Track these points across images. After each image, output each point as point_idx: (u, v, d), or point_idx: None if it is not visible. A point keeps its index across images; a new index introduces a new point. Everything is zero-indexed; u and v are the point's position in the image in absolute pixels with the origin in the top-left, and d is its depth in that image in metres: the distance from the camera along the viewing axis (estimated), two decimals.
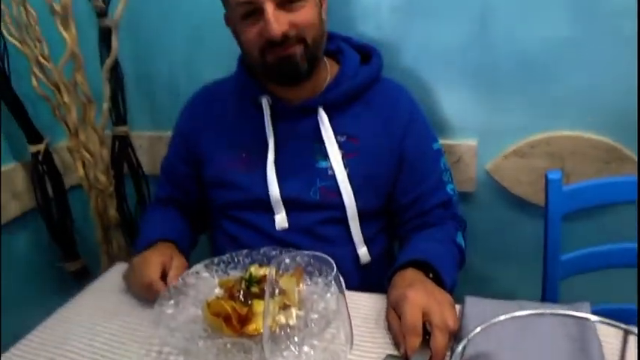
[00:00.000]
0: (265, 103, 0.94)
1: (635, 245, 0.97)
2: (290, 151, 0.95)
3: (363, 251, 0.96)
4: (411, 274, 0.79)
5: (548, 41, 1.10)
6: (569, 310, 0.57)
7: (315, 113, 0.93)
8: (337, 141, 0.93)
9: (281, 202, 0.94)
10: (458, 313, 0.75)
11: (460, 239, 0.96)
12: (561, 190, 0.96)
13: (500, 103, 1.19)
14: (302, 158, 0.95)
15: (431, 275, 0.80)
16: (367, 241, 0.96)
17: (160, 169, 1.11)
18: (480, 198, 1.29)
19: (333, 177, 0.93)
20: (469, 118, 1.22)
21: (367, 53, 1.00)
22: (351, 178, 0.93)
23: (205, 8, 1.27)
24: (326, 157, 0.93)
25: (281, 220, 0.94)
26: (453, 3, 1.13)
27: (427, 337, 0.68)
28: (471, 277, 1.37)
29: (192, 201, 1.07)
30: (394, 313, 0.73)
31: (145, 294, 0.81)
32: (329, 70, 0.98)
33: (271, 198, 0.94)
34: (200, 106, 1.05)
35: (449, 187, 0.99)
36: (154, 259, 0.84)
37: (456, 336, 0.69)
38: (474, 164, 1.24)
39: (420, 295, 0.71)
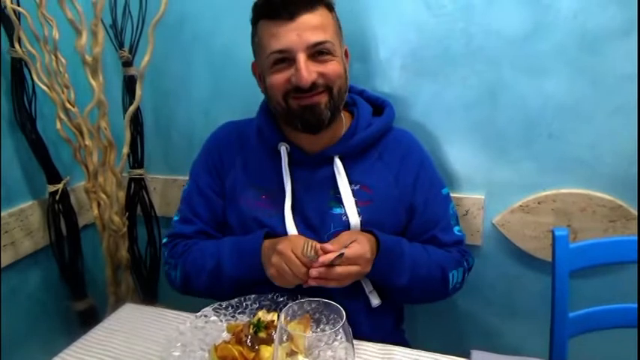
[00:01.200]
0: (284, 150, 0.99)
1: None
2: (306, 197, 0.98)
3: (373, 295, 0.97)
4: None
5: (553, 100, 1.14)
6: None
7: (332, 162, 0.98)
8: (351, 189, 0.97)
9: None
10: None
11: (455, 272, 1.01)
12: (568, 247, 0.97)
13: (508, 158, 1.21)
14: (318, 204, 0.98)
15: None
16: (374, 283, 0.98)
17: (184, 203, 1.09)
18: (486, 251, 1.29)
19: (347, 223, 0.96)
20: (477, 172, 1.25)
21: (380, 106, 1.07)
22: (363, 225, 0.96)
23: (225, 61, 1.34)
24: (340, 203, 0.97)
25: None
26: (460, 62, 1.17)
27: None
28: (477, 330, 1.36)
29: (219, 234, 1.07)
30: None
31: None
32: (344, 122, 1.03)
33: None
34: (226, 141, 1.08)
35: (456, 229, 1.06)
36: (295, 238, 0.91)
37: None
38: (481, 217, 1.26)
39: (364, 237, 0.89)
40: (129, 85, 1.34)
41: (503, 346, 1.34)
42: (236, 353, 0.69)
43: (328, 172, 0.98)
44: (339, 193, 0.97)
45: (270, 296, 0.87)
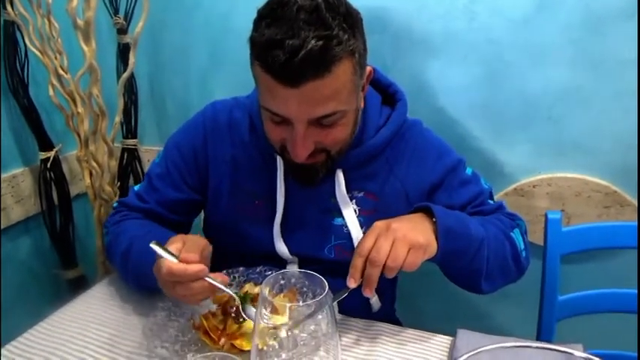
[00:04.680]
0: (279, 160, 0.86)
1: (635, 292, 0.96)
2: (305, 207, 0.88)
3: (374, 300, 0.91)
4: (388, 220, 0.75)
5: (554, 83, 1.12)
6: (561, 349, 0.56)
7: (333, 171, 0.86)
8: (354, 196, 0.88)
9: (292, 256, 0.89)
10: (449, 344, 0.75)
11: (517, 236, 0.88)
12: (561, 230, 0.97)
13: (505, 140, 1.20)
14: (317, 214, 0.88)
15: (435, 219, 0.75)
16: (378, 289, 0.93)
17: (147, 181, 0.95)
18: None
19: (349, 235, 0.87)
20: (473, 154, 1.23)
21: (390, 94, 0.92)
22: None
23: (223, 30, 1.31)
24: (342, 214, 0.87)
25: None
26: (461, 44, 1.15)
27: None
28: (466, 312, 1.36)
29: (176, 223, 0.94)
30: None
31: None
32: None
33: (280, 254, 0.89)
34: (214, 128, 0.91)
35: (490, 200, 0.94)
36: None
37: None
38: None
39: (381, 223, 0.72)
40: (124, 53, 1.32)
41: (493, 328, 1.34)
42: (206, 325, 0.69)
43: (329, 181, 0.86)
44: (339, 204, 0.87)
45: (258, 269, 0.87)
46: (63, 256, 1.41)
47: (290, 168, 0.83)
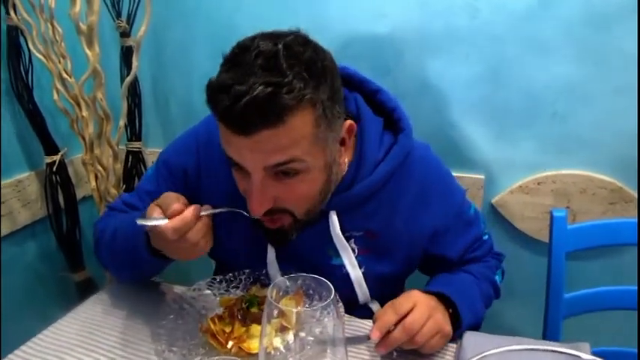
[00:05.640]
0: None
1: None
2: (299, 249, 0.83)
3: (376, 308, 0.91)
4: (431, 298, 0.76)
5: (557, 80, 1.12)
6: (567, 348, 0.56)
7: (326, 213, 0.80)
8: (352, 236, 0.82)
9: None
10: (456, 346, 0.75)
11: (498, 277, 0.93)
12: (566, 228, 0.97)
13: (509, 138, 1.20)
14: (314, 255, 0.83)
15: (451, 310, 0.77)
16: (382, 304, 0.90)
17: (136, 192, 0.93)
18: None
19: (348, 275, 0.83)
20: (477, 152, 1.23)
21: (395, 121, 0.83)
22: (366, 276, 0.84)
23: (226, 31, 1.31)
24: (339, 253, 0.83)
25: None
26: (463, 38, 1.15)
27: None
28: None
29: None
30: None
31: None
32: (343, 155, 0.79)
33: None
34: (207, 147, 0.86)
35: (485, 237, 0.94)
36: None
37: None
38: (480, 197, 1.25)
39: (424, 299, 0.72)
40: (127, 55, 1.32)
41: (500, 326, 1.34)
42: (214, 329, 0.70)
43: (324, 223, 0.81)
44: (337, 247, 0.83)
45: (264, 271, 0.87)
46: (70, 258, 1.41)
47: (262, 230, 0.78)
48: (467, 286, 0.84)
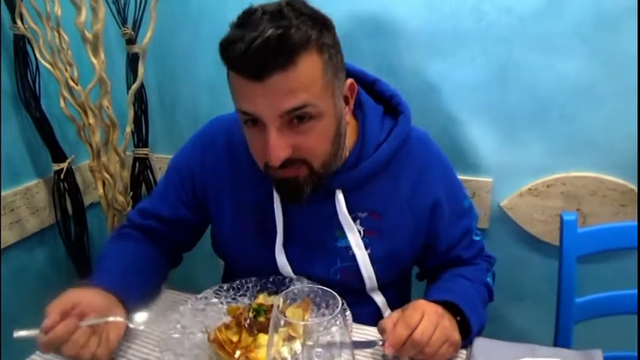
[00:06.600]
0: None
1: None
2: (306, 230, 0.86)
3: (387, 314, 0.92)
4: (438, 306, 0.76)
5: (566, 81, 1.11)
6: (580, 358, 0.55)
7: (333, 192, 0.83)
8: (357, 217, 0.85)
9: (296, 276, 0.88)
10: (466, 352, 0.74)
11: (490, 279, 0.93)
12: (576, 231, 0.95)
13: (517, 140, 1.19)
14: (320, 237, 0.86)
15: (458, 318, 0.77)
16: (388, 300, 0.93)
17: (150, 198, 0.97)
18: (493, 234, 1.28)
19: (354, 257, 0.85)
20: (485, 155, 1.22)
21: (393, 105, 0.88)
22: (372, 258, 0.86)
23: None
24: (345, 234, 0.85)
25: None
26: (470, 40, 1.14)
27: None
28: None
29: (176, 239, 0.96)
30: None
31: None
32: (346, 136, 0.83)
33: (285, 274, 0.88)
34: (213, 146, 0.92)
35: (477, 237, 0.95)
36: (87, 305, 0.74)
37: None
38: (489, 200, 1.24)
39: (431, 309, 0.72)
40: (133, 62, 1.33)
41: (510, 330, 1.34)
42: (220, 338, 0.69)
43: (330, 203, 0.84)
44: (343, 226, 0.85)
45: (271, 279, 0.87)
46: (78, 265, 1.42)
47: (276, 185, 0.81)
48: (468, 292, 0.84)
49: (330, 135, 0.75)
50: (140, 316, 0.77)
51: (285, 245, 0.87)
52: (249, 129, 0.74)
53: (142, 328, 0.76)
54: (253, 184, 0.87)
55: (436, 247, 0.90)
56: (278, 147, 0.70)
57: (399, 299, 0.94)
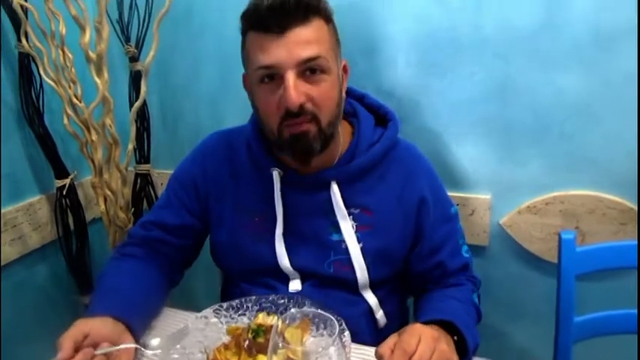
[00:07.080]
0: (276, 175, 0.92)
1: None
2: (303, 223, 0.92)
3: (380, 315, 0.95)
4: (433, 329, 0.77)
5: (565, 98, 1.11)
6: None
7: (328, 186, 0.91)
8: (350, 213, 0.91)
9: (294, 271, 0.93)
10: None
11: (475, 299, 0.95)
12: (575, 250, 0.96)
13: (516, 157, 1.19)
14: (315, 230, 0.92)
15: (455, 338, 0.79)
16: (380, 301, 0.95)
17: (152, 211, 1.02)
18: (493, 252, 1.28)
19: (347, 250, 0.91)
20: (484, 172, 1.23)
21: (382, 115, 0.98)
22: (364, 252, 0.91)
23: (233, 54, 1.32)
24: (339, 229, 0.91)
25: (295, 285, 0.93)
26: (468, 56, 1.15)
27: None
28: (482, 332, 1.33)
29: (180, 248, 1.00)
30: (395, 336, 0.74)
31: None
32: (342, 137, 0.93)
33: (283, 268, 0.93)
34: (214, 157, 0.99)
35: (464, 250, 0.98)
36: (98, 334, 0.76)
37: None
38: (488, 218, 1.24)
39: (428, 332, 0.72)
40: (136, 80, 1.34)
41: (509, 349, 1.33)
42: (220, 359, 0.70)
43: (325, 196, 0.91)
44: (337, 218, 0.91)
45: (270, 298, 0.87)
46: (80, 281, 1.42)
47: (287, 145, 0.86)
48: (460, 312, 0.86)
49: (334, 96, 0.85)
50: (155, 341, 0.80)
51: (284, 238, 0.92)
52: (265, 86, 0.83)
53: (159, 352, 0.78)
54: (251, 192, 0.95)
55: (422, 246, 0.95)
56: (295, 93, 0.79)
57: (391, 301, 0.98)
